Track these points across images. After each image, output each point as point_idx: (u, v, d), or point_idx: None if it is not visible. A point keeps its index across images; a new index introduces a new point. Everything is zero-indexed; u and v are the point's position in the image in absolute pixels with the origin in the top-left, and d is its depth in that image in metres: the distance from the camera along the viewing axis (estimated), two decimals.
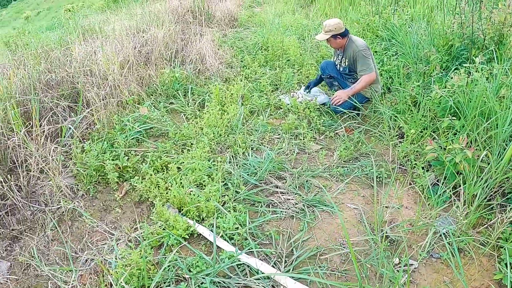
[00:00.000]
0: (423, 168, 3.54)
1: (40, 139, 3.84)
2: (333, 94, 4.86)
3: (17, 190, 3.56)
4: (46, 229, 3.32)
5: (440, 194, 3.12)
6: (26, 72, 4.99)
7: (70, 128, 4.15)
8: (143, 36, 6.48)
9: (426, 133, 3.88)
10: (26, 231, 3.35)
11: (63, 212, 3.49)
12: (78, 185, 3.80)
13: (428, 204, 3.18)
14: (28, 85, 4.77)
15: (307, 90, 5.20)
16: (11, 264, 3.07)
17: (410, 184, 3.50)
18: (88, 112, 4.54)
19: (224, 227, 2.98)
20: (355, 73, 4.76)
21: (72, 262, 2.98)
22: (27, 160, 3.76)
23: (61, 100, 4.65)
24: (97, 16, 10.82)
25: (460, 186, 2.99)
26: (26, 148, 3.78)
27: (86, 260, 2.97)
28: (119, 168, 3.83)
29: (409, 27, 6.09)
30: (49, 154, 3.78)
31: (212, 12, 9.94)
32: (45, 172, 3.74)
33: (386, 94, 4.85)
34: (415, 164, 3.62)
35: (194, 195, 3.26)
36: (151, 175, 3.57)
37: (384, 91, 4.92)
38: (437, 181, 3.37)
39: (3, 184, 3.44)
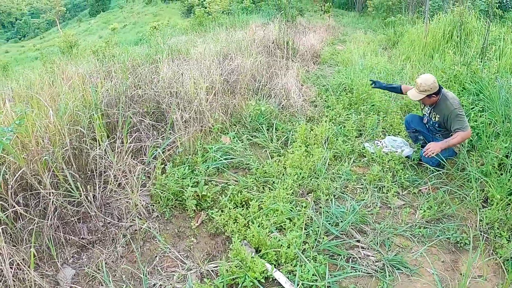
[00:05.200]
0: (507, 239, 3.27)
1: (125, 155, 3.87)
2: (418, 148, 4.70)
3: (91, 199, 3.57)
4: (117, 244, 3.32)
5: None
6: (113, 84, 5.11)
7: (157, 150, 4.15)
8: (230, 64, 6.52)
9: None
10: (96, 242, 3.36)
11: (136, 230, 3.47)
12: (153, 206, 3.78)
13: (507, 278, 2.91)
14: (114, 97, 4.87)
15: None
16: (76, 272, 3.07)
17: (492, 254, 3.24)
18: (172, 134, 4.55)
19: (302, 277, 2.84)
20: (445, 129, 4.51)
21: (140, 284, 2.95)
22: (106, 172, 3.79)
23: (145, 117, 4.70)
24: (181, 37, 11.14)
25: None
26: (106, 160, 3.80)
27: (154, 285, 2.92)
28: (198, 196, 3.77)
29: (496, 81, 5.75)
30: (129, 170, 3.80)
31: (296, 46, 9.96)
32: (122, 187, 3.75)
33: (471, 152, 4.57)
34: (499, 233, 3.35)
35: (275, 238, 3.13)
36: (230, 208, 3.49)
37: (469, 148, 4.65)
38: None
39: (81, 191, 3.46)
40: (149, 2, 70.51)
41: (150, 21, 35.75)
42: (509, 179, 3.73)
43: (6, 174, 3.14)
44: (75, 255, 3.26)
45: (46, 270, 3.00)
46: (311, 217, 3.56)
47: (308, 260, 2.99)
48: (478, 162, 4.34)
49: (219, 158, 4.38)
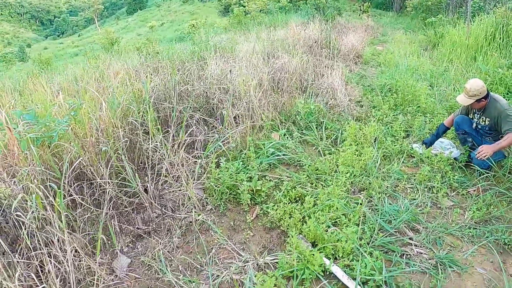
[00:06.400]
0: None
1: (179, 148, 3.98)
2: (466, 150, 4.71)
3: (144, 191, 3.70)
4: (173, 235, 3.41)
5: None
6: (161, 80, 5.24)
7: (217, 143, 4.25)
8: (276, 62, 6.60)
9: None
10: (151, 233, 3.46)
11: (191, 222, 3.56)
12: (207, 199, 3.88)
13: None
14: (163, 92, 5.00)
15: (422, 146, 4.97)
16: (131, 261, 3.17)
17: None
18: (223, 129, 4.65)
19: (360, 271, 2.90)
20: (495, 132, 4.48)
21: (196, 274, 3.03)
22: (159, 164, 3.91)
23: (196, 113, 4.81)
24: (222, 35, 11.28)
25: None
26: (160, 153, 3.91)
27: (212, 275, 2.97)
28: (252, 190, 3.86)
29: None
30: (182, 163, 3.90)
31: (338, 46, 9.97)
32: (176, 179, 3.86)
33: None
34: None
35: (332, 233, 3.20)
36: (285, 203, 3.58)
37: None
38: None
39: (138, 182, 3.58)
40: (186, 0, 71.25)
41: (188, 20, 36.17)
42: None
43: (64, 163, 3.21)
44: (130, 244, 3.37)
45: (102, 258, 3.09)
46: (365, 214, 3.62)
47: (363, 255, 3.06)
48: None
49: (271, 154, 4.47)
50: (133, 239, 3.42)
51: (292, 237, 3.09)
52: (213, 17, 41.92)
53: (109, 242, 3.27)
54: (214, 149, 4.31)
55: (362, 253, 3.07)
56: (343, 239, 3.12)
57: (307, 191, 3.91)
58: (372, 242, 3.29)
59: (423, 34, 14.83)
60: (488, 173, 4.25)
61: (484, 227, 3.59)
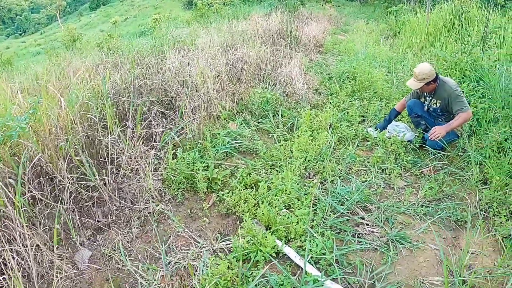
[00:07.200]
0: (505, 217, 3.40)
1: (136, 141, 3.99)
2: (420, 132, 4.85)
3: (104, 185, 3.71)
4: (132, 226, 3.45)
5: None
6: (120, 75, 5.23)
7: (171, 134, 4.28)
8: (235, 54, 6.64)
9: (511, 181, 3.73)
10: (111, 225, 3.48)
11: (150, 212, 3.60)
12: (165, 189, 3.91)
13: (506, 254, 3.05)
14: (123, 87, 4.99)
15: (376, 131, 5.12)
16: (92, 253, 3.19)
17: (491, 231, 3.37)
18: (181, 121, 4.68)
19: (311, 251, 2.99)
20: (447, 113, 4.65)
21: (155, 262, 3.07)
22: (118, 158, 3.92)
23: (154, 106, 4.83)
24: (185, 29, 11.22)
25: None
26: (118, 146, 3.94)
27: (169, 262, 3.03)
28: (208, 179, 3.92)
29: (496, 68, 5.83)
30: (141, 156, 3.92)
31: (298, 36, 10.05)
32: (135, 172, 3.88)
33: (471, 137, 4.69)
34: (498, 211, 3.49)
35: (284, 215, 3.28)
36: (240, 190, 3.64)
37: (470, 133, 4.77)
38: None
39: (97, 176, 3.60)
40: None
41: (151, 14, 35.72)
42: (508, 162, 3.87)
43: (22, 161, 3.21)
44: (91, 237, 3.38)
45: (63, 252, 3.10)
46: (318, 196, 3.71)
47: (316, 235, 3.14)
48: (478, 145, 4.47)
49: (227, 143, 4.53)
50: (94, 232, 3.43)
51: (246, 221, 3.16)
52: (177, 11, 41.62)
53: (71, 236, 3.27)
54: (170, 140, 4.33)
55: (312, 234, 3.15)
56: (294, 221, 3.21)
57: (262, 177, 3.98)
58: (324, 223, 3.38)
59: (385, 23, 15.06)
60: (440, 153, 4.41)
61: (436, 205, 3.73)
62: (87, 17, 74.09)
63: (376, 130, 5.13)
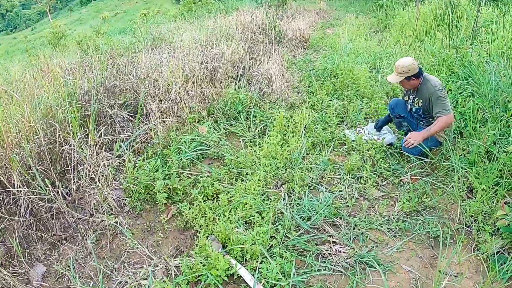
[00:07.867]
0: (490, 233, 3.08)
1: (95, 147, 3.76)
2: (402, 135, 4.55)
3: (66, 195, 3.54)
4: (87, 241, 3.25)
5: (506, 266, 2.69)
6: (91, 76, 4.97)
7: (126, 140, 4.03)
8: (211, 51, 6.36)
9: (499, 191, 3.39)
10: (67, 239, 3.31)
11: (106, 226, 3.39)
12: (125, 200, 3.69)
13: (490, 276, 2.74)
14: (92, 89, 4.74)
15: (375, 129, 4.84)
16: (47, 269, 3.04)
17: (474, 249, 3.07)
18: (146, 125, 4.43)
19: (267, 275, 2.71)
20: (429, 115, 4.36)
21: (107, 281, 2.91)
22: (80, 166, 3.69)
23: (121, 109, 4.58)
24: (169, 25, 10.95)
25: None
26: (79, 154, 3.70)
27: (120, 282, 2.86)
28: (169, 188, 3.67)
29: (486, 65, 5.56)
30: (101, 164, 3.69)
31: (283, 31, 9.78)
32: (96, 182, 3.64)
33: (458, 139, 4.41)
34: (483, 227, 3.16)
35: (241, 234, 3.02)
36: (200, 202, 3.38)
37: (456, 135, 4.49)
38: (504, 250, 2.94)
39: (52, 188, 3.39)
40: None
41: (142, 9, 35.36)
42: (496, 168, 3.53)
43: None
44: (47, 251, 3.22)
45: (18, 268, 2.98)
46: (281, 210, 3.43)
47: (274, 257, 2.87)
48: (464, 150, 4.16)
49: (192, 149, 4.25)
50: (50, 246, 3.25)
51: (201, 238, 2.91)
52: (167, 6, 41.26)
53: (28, 251, 3.15)
54: (130, 146, 4.07)
55: (266, 257, 2.85)
56: (250, 240, 2.93)
57: (224, 187, 3.69)
58: (285, 242, 3.09)
59: (374, 17, 14.85)
60: (422, 159, 4.12)
61: (414, 219, 3.43)
62: (77, 13, 73.52)
63: (376, 127, 4.87)
